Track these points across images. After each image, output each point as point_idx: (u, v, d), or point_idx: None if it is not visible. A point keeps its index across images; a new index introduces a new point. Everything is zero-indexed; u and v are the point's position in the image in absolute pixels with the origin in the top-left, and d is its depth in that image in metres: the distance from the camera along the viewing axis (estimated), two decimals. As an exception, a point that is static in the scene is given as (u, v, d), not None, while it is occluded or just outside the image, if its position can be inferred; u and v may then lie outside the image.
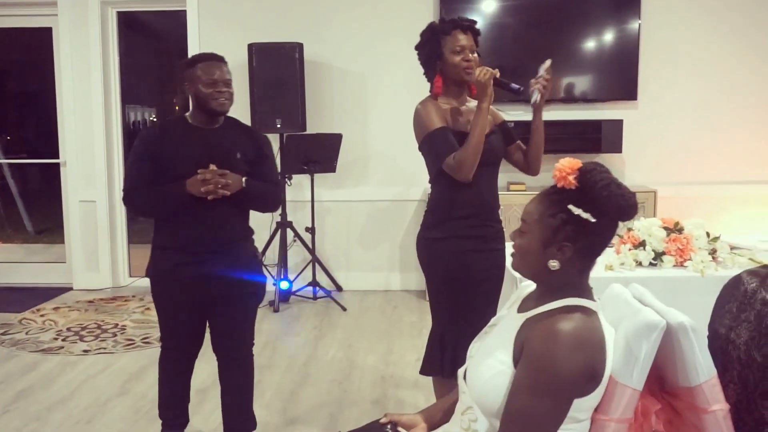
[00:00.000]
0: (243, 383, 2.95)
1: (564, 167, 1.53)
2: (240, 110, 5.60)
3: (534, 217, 1.58)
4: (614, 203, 1.49)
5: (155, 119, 11.84)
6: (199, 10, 5.73)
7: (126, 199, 2.77)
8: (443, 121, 2.71)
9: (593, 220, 1.50)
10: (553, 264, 1.54)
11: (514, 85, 2.68)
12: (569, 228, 1.52)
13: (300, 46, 5.33)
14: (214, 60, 2.71)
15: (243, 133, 2.83)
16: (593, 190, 1.49)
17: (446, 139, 2.68)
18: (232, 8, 5.72)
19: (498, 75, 2.65)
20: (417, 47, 2.82)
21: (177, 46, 6.31)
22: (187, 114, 2.78)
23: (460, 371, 1.74)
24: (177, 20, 6.05)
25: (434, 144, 2.70)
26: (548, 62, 2.67)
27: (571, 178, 1.51)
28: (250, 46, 5.29)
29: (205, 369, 4.03)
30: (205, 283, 2.73)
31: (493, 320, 1.77)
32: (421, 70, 2.82)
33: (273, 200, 2.91)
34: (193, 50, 5.74)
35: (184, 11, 5.75)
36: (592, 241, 1.54)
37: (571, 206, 1.51)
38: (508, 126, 2.92)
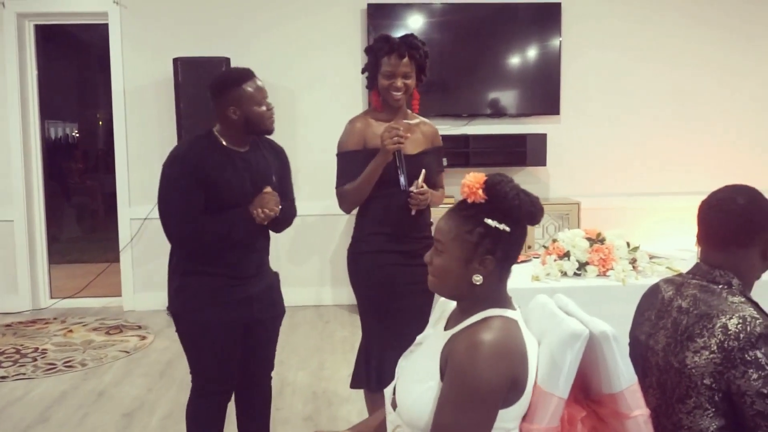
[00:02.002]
0: (267, 411, 2.82)
1: (472, 183, 1.57)
2: (166, 126, 5.50)
3: (450, 235, 1.59)
4: (526, 210, 1.56)
5: (77, 135, 11.51)
6: (122, 24, 5.58)
7: (183, 234, 2.46)
8: (360, 144, 2.78)
9: (509, 229, 1.55)
10: (477, 279, 1.57)
11: (402, 179, 2.68)
12: (488, 241, 1.56)
13: (227, 60, 5.26)
14: (254, 76, 2.50)
15: (270, 152, 2.67)
16: (505, 201, 1.55)
17: (346, 167, 2.79)
18: (156, 22, 5.61)
19: (400, 154, 2.67)
20: (365, 51, 2.88)
21: (100, 60, 6.14)
22: (215, 131, 2.53)
23: (387, 390, 1.74)
24: (99, 33, 5.90)
25: (338, 166, 2.85)
26: (422, 174, 2.70)
27: (480, 192, 1.55)
28: (176, 61, 5.20)
29: (130, 392, 3.92)
30: (249, 304, 2.58)
31: (419, 338, 1.78)
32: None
33: (293, 219, 2.81)
34: (116, 65, 5.60)
35: (106, 24, 5.61)
36: (508, 250, 1.59)
37: (487, 220, 1.55)
38: (441, 154, 2.98)
